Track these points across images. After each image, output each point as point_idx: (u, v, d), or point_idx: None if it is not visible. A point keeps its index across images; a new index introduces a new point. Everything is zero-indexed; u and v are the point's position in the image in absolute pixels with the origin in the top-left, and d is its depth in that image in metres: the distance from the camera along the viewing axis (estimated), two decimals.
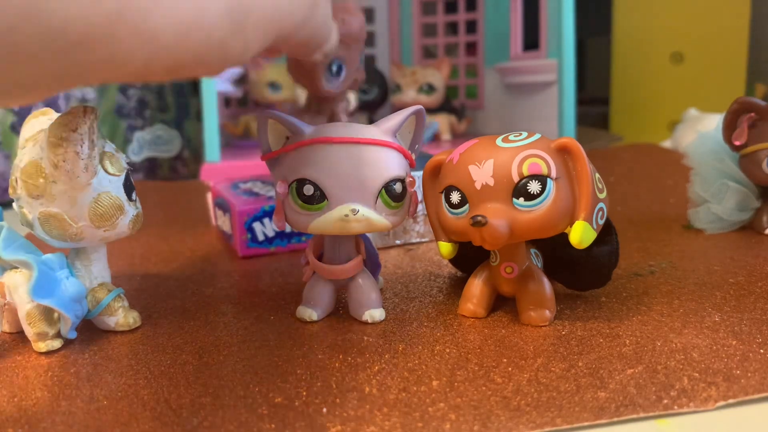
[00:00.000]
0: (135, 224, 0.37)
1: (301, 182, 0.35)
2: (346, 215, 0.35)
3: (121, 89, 0.95)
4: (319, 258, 0.39)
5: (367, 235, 0.42)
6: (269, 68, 0.95)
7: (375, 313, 0.38)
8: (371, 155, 0.36)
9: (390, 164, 0.36)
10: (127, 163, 0.36)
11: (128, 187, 0.36)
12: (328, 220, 0.35)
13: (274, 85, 0.95)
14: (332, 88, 0.52)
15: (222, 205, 0.57)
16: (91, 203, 0.34)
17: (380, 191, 0.36)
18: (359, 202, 0.35)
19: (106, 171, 0.34)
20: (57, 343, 0.36)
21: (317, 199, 0.35)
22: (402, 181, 0.37)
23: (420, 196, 0.39)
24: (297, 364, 0.33)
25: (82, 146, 0.32)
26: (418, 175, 0.46)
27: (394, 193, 0.36)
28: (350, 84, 0.54)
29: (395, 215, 0.37)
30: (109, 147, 0.35)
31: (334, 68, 0.52)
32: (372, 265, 0.41)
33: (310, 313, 0.39)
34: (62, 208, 0.34)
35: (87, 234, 0.35)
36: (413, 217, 0.37)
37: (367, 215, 0.35)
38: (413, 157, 0.39)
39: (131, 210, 0.36)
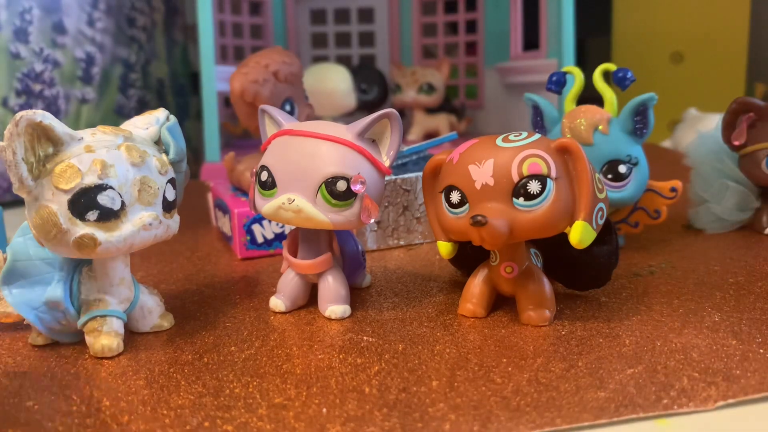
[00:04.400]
0: (81, 246, 0.32)
1: (262, 168, 0.38)
2: (283, 203, 0.36)
3: (121, 89, 0.95)
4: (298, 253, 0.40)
5: (352, 233, 0.43)
6: None
7: (337, 309, 0.39)
8: (319, 150, 0.36)
9: (334, 161, 0.36)
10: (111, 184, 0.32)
11: (80, 207, 0.32)
12: (272, 206, 0.37)
13: None
14: None
15: (222, 207, 0.57)
16: (34, 213, 0.33)
17: (320, 186, 0.36)
18: (299, 193, 0.36)
19: (53, 184, 0.32)
20: (40, 340, 0.36)
21: (269, 185, 0.37)
22: (347, 180, 0.36)
23: (378, 204, 0.38)
24: (297, 364, 0.33)
25: (5, 154, 0.32)
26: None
27: (334, 191, 0.36)
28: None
29: (338, 214, 0.36)
30: (81, 159, 0.32)
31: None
32: (352, 263, 0.42)
33: (277, 304, 0.40)
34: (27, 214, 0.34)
35: (45, 245, 0.33)
36: (370, 221, 0.36)
37: (302, 207, 0.36)
38: (388, 163, 0.38)
39: (75, 230, 0.32)
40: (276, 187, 0.37)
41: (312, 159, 0.36)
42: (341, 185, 0.36)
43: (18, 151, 0.31)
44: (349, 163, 0.36)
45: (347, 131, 0.37)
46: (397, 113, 0.38)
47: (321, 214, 0.36)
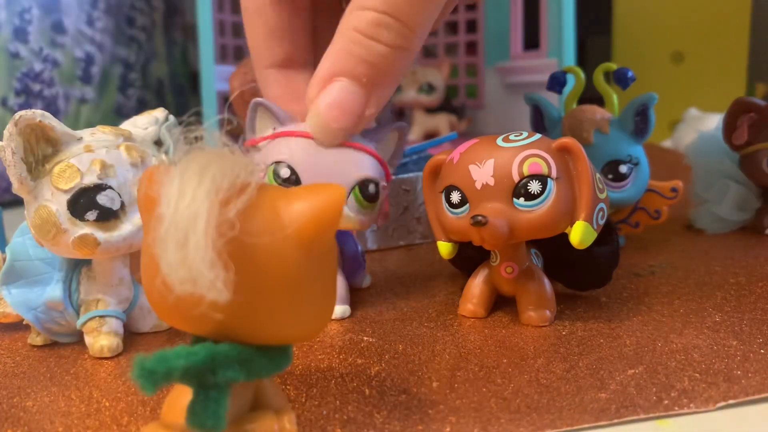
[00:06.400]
0: (81, 246, 0.32)
1: (279, 164, 0.36)
2: None
3: (121, 89, 0.95)
4: None
5: (352, 234, 0.43)
6: None
7: (337, 309, 0.39)
8: (349, 155, 0.36)
9: (366, 165, 0.37)
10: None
11: (80, 207, 0.32)
12: None
13: None
14: None
15: None
16: (33, 213, 0.32)
17: (354, 188, 0.36)
18: None
19: (53, 184, 0.32)
20: (40, 340, 0.36)
21: (293, 182, 0.36)
22: (377, 184, 0.37)
23: (389, 207, 0.40)
24: (296, 366, 0.33)
25: (4, 153, 0.31)
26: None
27: (367, 193, 0.36)
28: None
29: (364, 216, 0.37)
30: (77, 159, 0.32)
31: None
32: (352, 264, 0.42)
33: None
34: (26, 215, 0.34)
35: (44, 245, 0.33)
36: (379, 223, 0.38)
37: None
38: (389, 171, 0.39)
39: (74, 230, 0.32)
40: (301, 185, 0.36)
41: (346, 163, 0.36)
42: (372, 188, 0.37)
43: (17, 150, 0.31)
44: (377, 169, 0.37)
45: (366, 142, 0.38)
46: (407, 127, 0.39)
47: (352, 215, 0.36)
